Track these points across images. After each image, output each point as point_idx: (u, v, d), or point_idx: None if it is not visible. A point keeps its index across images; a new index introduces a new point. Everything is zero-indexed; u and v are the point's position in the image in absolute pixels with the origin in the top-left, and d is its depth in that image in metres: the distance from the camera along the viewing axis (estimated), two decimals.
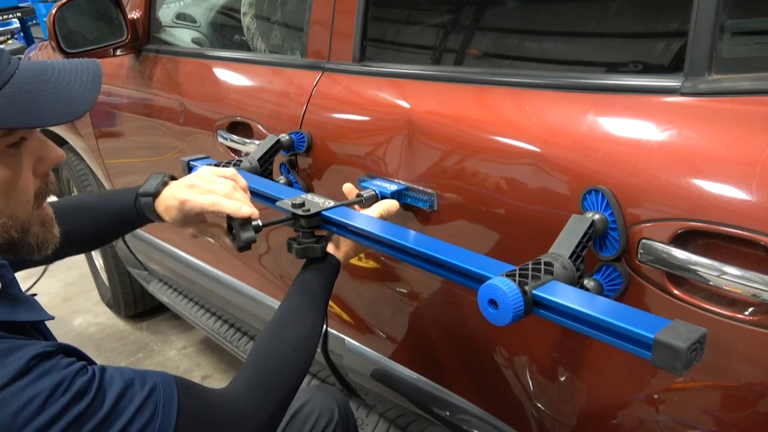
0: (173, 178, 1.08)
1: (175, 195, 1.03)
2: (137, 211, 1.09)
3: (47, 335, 0.87)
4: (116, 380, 0.73)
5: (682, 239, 0.77)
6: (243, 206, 0.99)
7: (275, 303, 1.63)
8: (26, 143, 0.76)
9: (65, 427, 0.66)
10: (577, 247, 0.80)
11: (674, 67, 0.87)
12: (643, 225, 0.80)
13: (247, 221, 0.99)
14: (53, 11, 1.70)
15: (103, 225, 1.15)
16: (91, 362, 0.76)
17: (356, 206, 1.07)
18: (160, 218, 1.08)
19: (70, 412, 0.67)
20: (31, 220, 0.78)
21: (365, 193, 1.09)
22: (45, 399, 0.66)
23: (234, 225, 1.00)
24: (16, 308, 0.79)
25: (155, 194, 1.06)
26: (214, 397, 0.85)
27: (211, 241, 1.67)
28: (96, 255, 2.76)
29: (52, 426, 0.65)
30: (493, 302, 0.73)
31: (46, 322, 0.87)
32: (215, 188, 1.01)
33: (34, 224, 0.79)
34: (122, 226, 1.17)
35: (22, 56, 2.97)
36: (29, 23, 6.58)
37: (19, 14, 6.39)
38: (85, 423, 0.68)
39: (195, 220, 1.07)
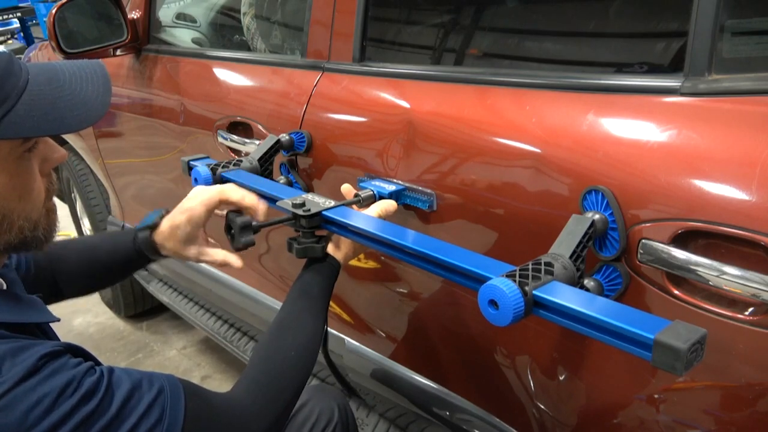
0: (168, 212, 1.09)
1: (180, 210, 1.04)
2: (136, 249, 1.09)
3: (51, 336, 0.88)
4: (124, 381, 0.73)
5: (682, 239, 0.77)
6: (248, 195, 1.01)
7: (275, 303, 1.63)
8: (37, 146, 0.77)
9: (74, 427, 0.67)
10: (577, 247, 0.80)
11: (674, 67, 0.87)
12: (643, 225, 0.80)
13: (246, 222, 0.99)
14: (53, 11, 1.70)
15: (101, 264, 1.15)
16: (98, 363, 0.76)
17: (354, 206, 1.07)
18: (157, 253, 1.09)
19: (79, 413, 0.67)
20: (40, 218, 0.80)
21: (363, 193, 1.09)
22: (55, 399, 0.66)
23: (233, 225, 1.00)
24: (21, 309, 0.80)
25: (153, 227, 1.07)
26: (218, 400, 0.85)
27: (212, 240, 1.67)
28: None
29: (62, 426, 0.66)
30: (493, 303, 0.73)
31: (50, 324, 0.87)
32: (213, 187, 1.03)
33: (42, 219, 0.80)
34: (121, 265, 1.15)
35: (23, 56, 2.97)
36: (29, 23, 6.58)
37: (19, 14, 6.39)
38: (93, 423, 0.68)
39: (197, 238, 1.07)
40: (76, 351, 0.75)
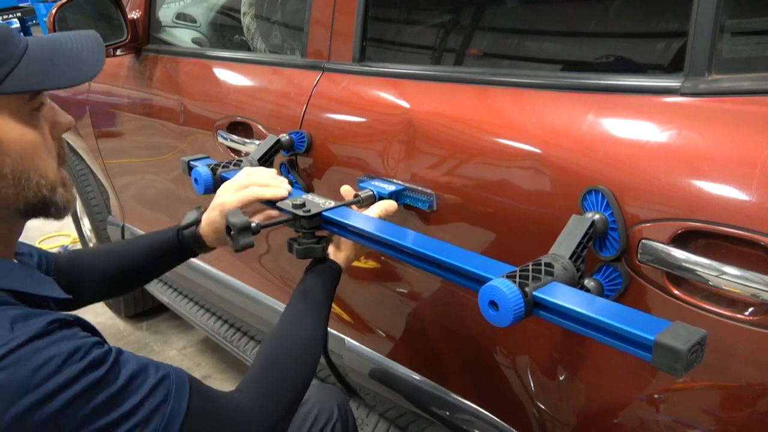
0: (205, 210, 1.14)
1: (213, 205, 1.09)
2: (180, 244, 1.14)
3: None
4: (131, 361, 0.74)
5: (681, 239, 0.77)
6: (279, 189, 1.07)
7: (275, 303, 1.63)
8: (43, 108, 0.81)
9: (80, 391, 0.67)
10: (577, 247, 0.80)
11: (674, 67, 0.87)
12: (643, 225, 0.80)
13: (245, 223, 0.99)
14: (53, 11, 1.71)
15: (143, 261, 1.18)
16: (106, 342, 0.77)
17: (354, 207, 1.07)
18: (205, 247, 1.14)
19: (85, 378, 0.67)
20: (57, 180, 0.82)
21: (363, 194, 1.09)
22: (63, 361, 0.67)
23: (232, 227, 0.99)
24: (35, 281, 0.82)
25: (196, 222, 1.12)
26: (222, 398, 0.85)
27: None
28: None
29: (68, 388, 0.66)
30: (493, 304, 0.73)
31: None
32: (247, 180, 1.08)
33: (59, 185, 0.83)
34: (163, 261, 1.19)
35: None
36: (29, 23, 6.59)
37: (19, 14, 6.41)
38: (99, 392, 0.68)
39: None
40: (85, 326, 0.76)
